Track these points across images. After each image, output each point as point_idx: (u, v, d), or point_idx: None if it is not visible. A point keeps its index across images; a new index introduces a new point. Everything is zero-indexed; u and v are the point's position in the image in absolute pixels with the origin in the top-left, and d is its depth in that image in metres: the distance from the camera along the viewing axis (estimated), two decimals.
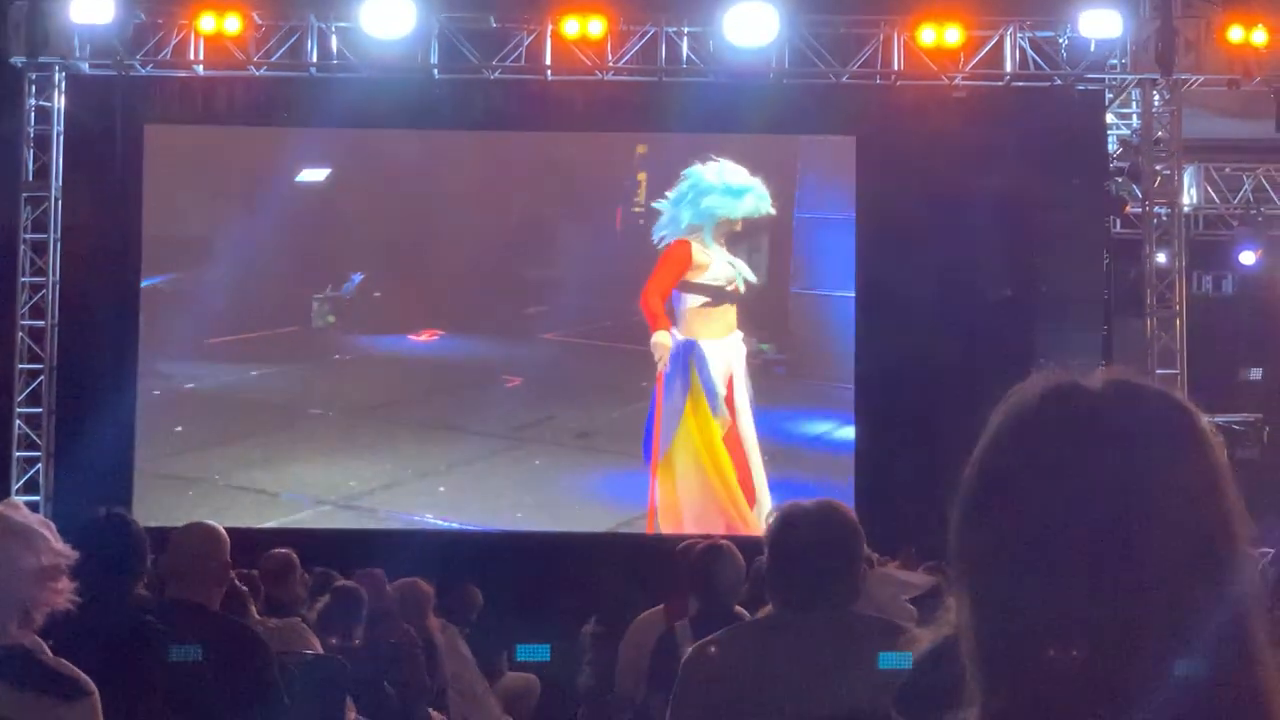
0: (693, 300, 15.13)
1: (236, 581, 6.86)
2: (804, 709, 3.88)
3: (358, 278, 15.54)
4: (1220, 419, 15.08)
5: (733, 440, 15.12)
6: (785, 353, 15.41)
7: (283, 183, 15.43)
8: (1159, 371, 14.49)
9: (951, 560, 1.46)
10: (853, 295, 15.26)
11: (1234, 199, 17.64)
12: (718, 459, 15.06)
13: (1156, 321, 15.12)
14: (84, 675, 3.70)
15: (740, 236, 15.22)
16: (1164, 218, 15.31)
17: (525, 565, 14.00)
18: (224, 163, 15.57)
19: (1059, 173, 15.13)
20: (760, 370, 15.22)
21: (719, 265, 15.07)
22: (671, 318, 15.11)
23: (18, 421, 15.00)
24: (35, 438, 15.03)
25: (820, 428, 15.44)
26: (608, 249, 15.51)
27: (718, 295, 15.10)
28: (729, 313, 15.12)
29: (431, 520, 15.08)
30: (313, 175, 15.60)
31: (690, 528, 14.69)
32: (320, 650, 7.79)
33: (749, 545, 7.84)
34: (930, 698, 1.54)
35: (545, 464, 15.30)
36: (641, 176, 15.49)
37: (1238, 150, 17.34)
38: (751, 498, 15.03)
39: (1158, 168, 15.26)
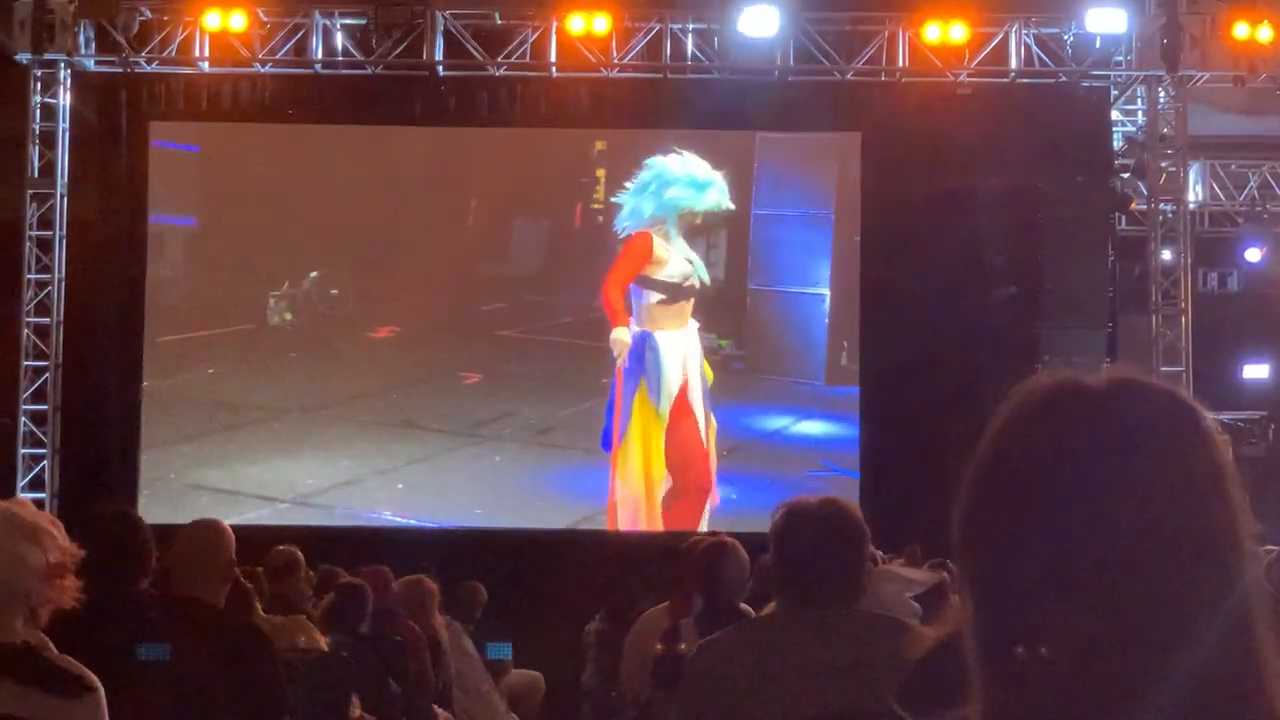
0: (651, 296, 15.10)
1: (241, 579, 6.85)
2: (809, 706, 3.88)
3: (314, 275, 15.51)
4: (1226, 416, 15.10)
5: (689, 433, 15.10)
6: (743, 348, 15.40)
7: (239, 176, 15.48)
8: (1164, 369, 14.48)
9: (955, 557, 1.46)
10: (810, 291, 15.27)
11: (1239, 196, 17.62)
12: (650, 454, 15.03)
13: (1162, 319, 15.12)
14: (89, 672, 3.69)
15: (698, 231, 15.21)
16: (1169, 215, 15.31)
17: (529, 562, 14.01)
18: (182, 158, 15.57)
19: (1064, 170, 15.14)
20: (719, 366, 15.24)
21: (677, 261, 15.04)
22: (629, 311, 15.07)
23: (23, 418, 14.99)
24: (41, 435, 15.03)
25: (778, 422, 15.46)
26: (567, 245, 15.57)
27: (675, 291, 15.07)
28: (685, 308, 15.11)
29: (390, 517, 15.09)
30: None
31: (636, 521, 14.86)
32: (325, 647, 7.78)
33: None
34: (933, 694, 1.52)
35: (505, 460, 15.31)
36: (600, 172, 15.50)
37: (1243, 147, 17.33)
38: (706, 492, 15.04)
39: (1163, 165, 15.26)
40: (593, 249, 15.35)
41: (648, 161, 15.11)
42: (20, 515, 3.64)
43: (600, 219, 15.42)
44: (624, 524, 15.08)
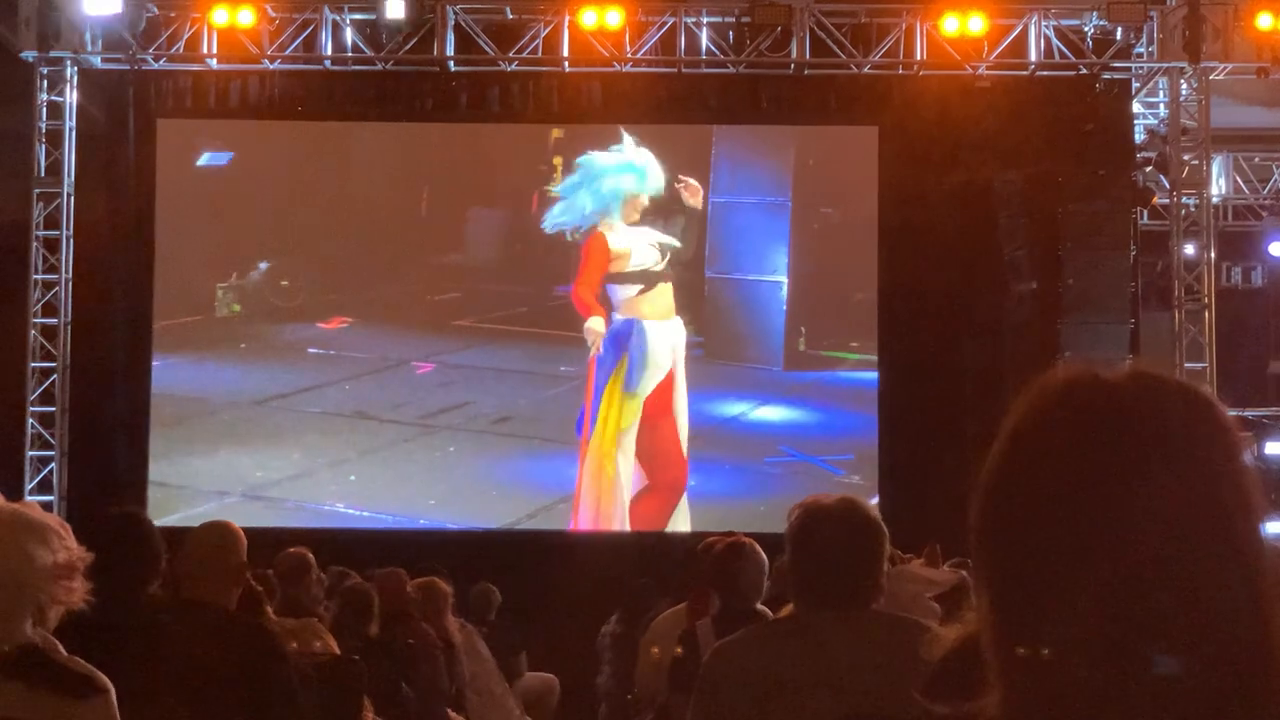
0: (629, 290, 15.05)
1: (252, 581, 6.76)
2: (827, 708, 3.82)
3: (264, 266, 15.40)
4: (1250, 413, 14.93)
5: (668, 431, 15.02)
6: (701, 335, 15.29)
7: (184, 168, 15.36)
8: (1187, 365, 14.37)
9: (972, 553, 1.45)
10: (768, 279, 15.20)
11: (1263, 189, 17.47)
12: (614, 441, 14.93)
13: (1185, 314, 14.98)
14: (98, 673, 3.64)
15: (654, 219, 15.10)
16: (1192, 208, 15.22)
17: (543, 564, 13.89)
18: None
19: (1084, 163, 15.02)
20: None
21: (642, 249, 14.96)
22: (608, 307, 15.00)
23: (30, 420, 14.89)
24: (49, 437, 14.93)
25: (736, 408, 15.39)
26: (523, 234, 15.45)
27: (650, 278, 15.02)
28: (666, 293, 15.05)
29: (343, 509, 14.99)
30: (215, 160, 15.47)
31: (596, 512, 14.80)
32: (336, 650, 7.66)
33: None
34: (952, 691, 1.51)
35: (460, 450, 15.24)
36: (557, 161, 15.42)
37: (1267, 139, 17.17)
38: (678, 493, 14.96)
39: (1185, 157, 15.14)
40: (551, 238, 15.27)
41: (578, 160, 15.06)
42: (27, 515, 3.60)
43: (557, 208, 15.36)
44: (585, 514, 15.00)
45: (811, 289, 15.26)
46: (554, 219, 15.04)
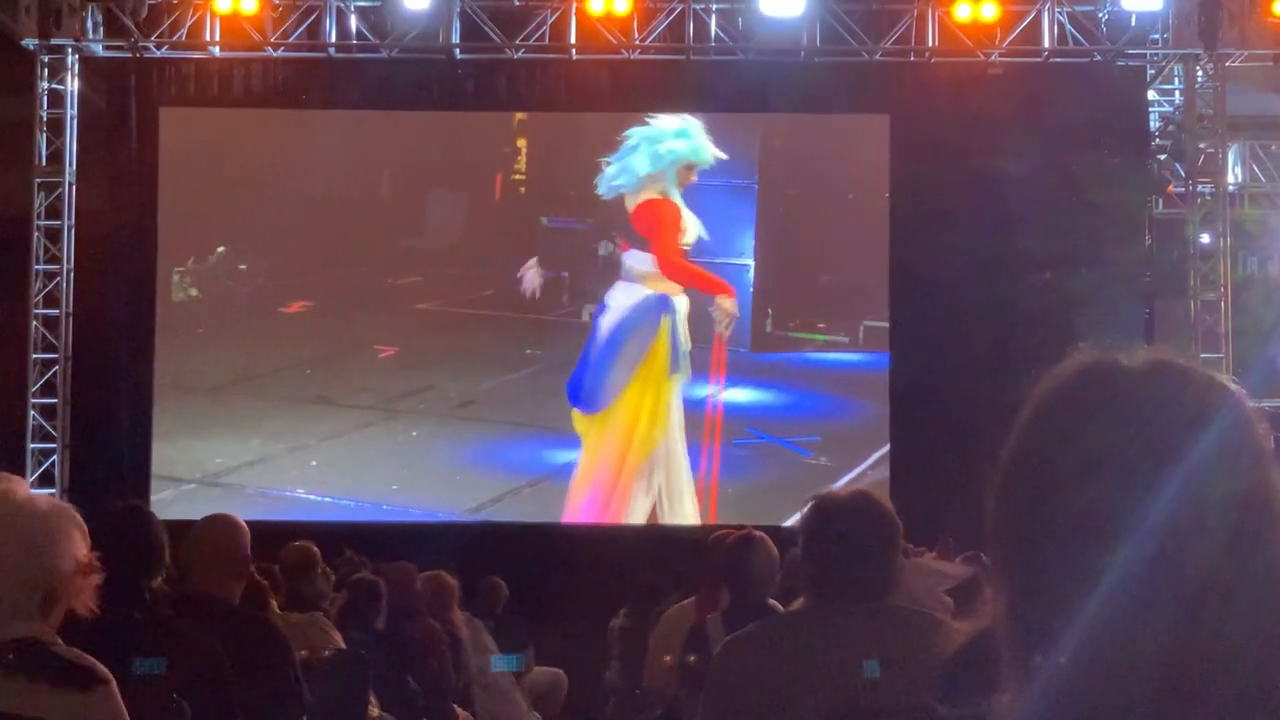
0: None
1: (256, 575, 6.72)
2: (838, 703, 3.83)
3: (221, 250, 15.29)
4: (1267, 404, 14.76)
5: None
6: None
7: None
8: (1203, 355, 14.25)
9: (988, 543, 1.44)
10: (735, 262, 15.11)
11: None
12: (648, 423, 14.79)
13: (1200, 303, 14.94)
14: (99, 664, 3.64)
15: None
16: (1208, 197, 15.15)
17: (551, 557, 13.81)
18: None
19: (1099, 151, 14.95)
20: None
21: (692, 223, 14.91)
22: (632, 275, 14.88)
23: (32, 413, 14.80)
24: (51, 429, 14.84)
25: (704, 390, 15.18)
26: (487, 217, 15.37)
27: (686, 255, 15.01)
28: None
29: (304, 495, 14.88)
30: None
31: (598, 494, 14.66)
32: (342, 645, 7.59)
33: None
34: (967, 687, 1.55)
35: (422, 435, 15.16)
36: (521, 143, 15.36)
37: None
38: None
39: (1201, 145, 15.07)
40: (515, 220, 15.24)
41: (629, 132, 14.90)
42: (46, 508, 3.61)
43: (522, 190, 15.33)
44: (585, 496, 14.78)
45: (778, 271, 15.22)
46: (609, 182, 14.89)
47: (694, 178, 14.91)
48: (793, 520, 14.05)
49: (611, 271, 15.00)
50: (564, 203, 15.30)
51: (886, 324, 15.05)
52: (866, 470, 14.71)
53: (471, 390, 15.17)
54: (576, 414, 14.85)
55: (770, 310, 15.19)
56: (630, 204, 14.88)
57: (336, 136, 15.42)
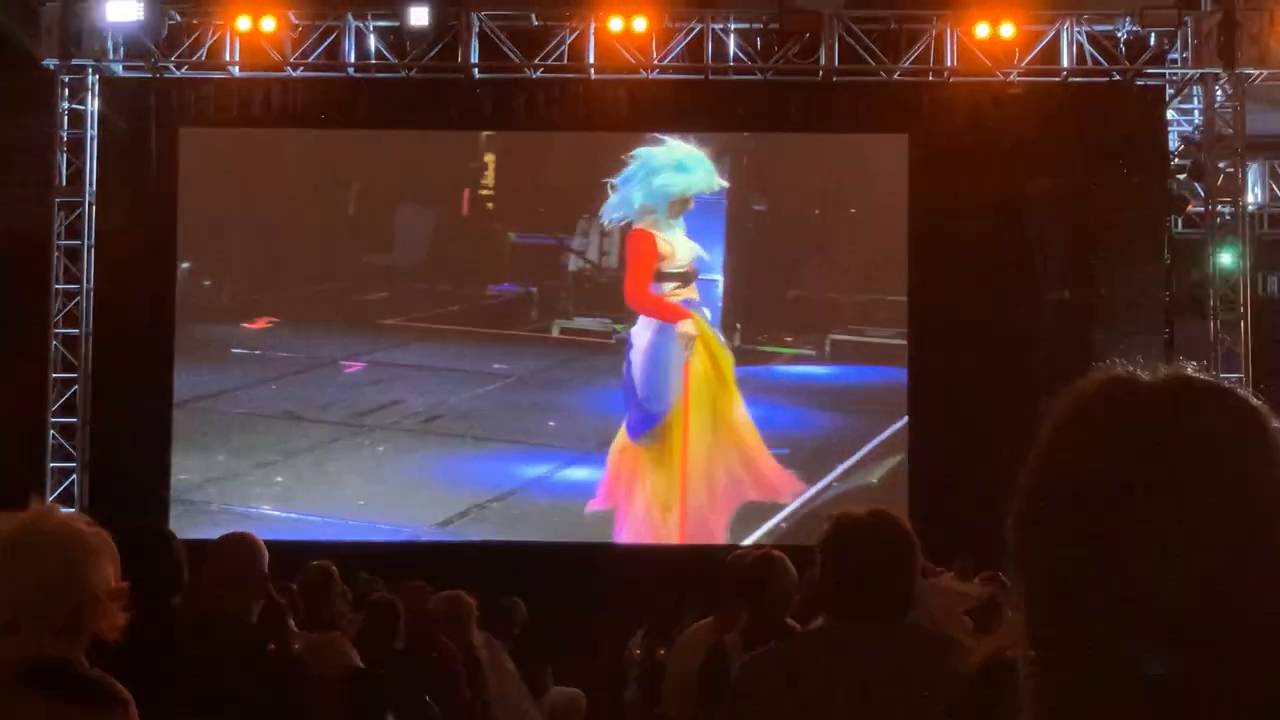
0: (665, 287, 14.99)
1: (274, 594, 6.69)
2: None
3: (185, 266, 15.29)
4: None
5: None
6: None
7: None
8: (1222, 375, 14.12)
9: (1008, 564, 1.42)
10: (704, 278, 15.06)
11: None
12: (719, 432, 14.84)
13: (1220, 324, 14.89)
14: (117, 684, 3.62)
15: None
16: (1227, 216, 15.11)
17: (570, 577, 13.77)
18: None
19: (1118, 171, 14.96)
20: (620, 349, 15.15)
21: (682, 248, 14.94)
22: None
23: (51, 432, 14.81)
24: (70, 448, 14.84)
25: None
26: (454, 233, 15.39)
27: (686, 279, 15.00)
28: (695, 291, 15.05)
29: (269, 511, 14.84)
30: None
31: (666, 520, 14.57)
32: (360, 665, 7.56)
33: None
34: (986, 712, 1.51)
35: (389, 450, 15.15)
36: (489, 158, 15.37)
37: None
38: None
39: (1220, 165, 15.03)
40: (482, 235, 15.26)
41: (635, 152, 14.96)
42: (82, 531, 3.59)
43: (490, 205, 15.36)
44: (669, 520, 14.72)
45: (746, 285, 15.24)
46: (611, 212, 14.96)
47: (690, 205, 14.93)
48: (758, 534, 14.07)
49: (581, 288, 15.14)
50: (532, 218, 15.34)
51: (854, 337, 15.12)
52: (833, 482, 14.75)
53: (438, 405, 15.18)
54: (628, 444, 14.86)
55: (738, 324, 15.22)
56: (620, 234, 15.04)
57: (304, 151, 15.45)
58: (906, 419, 14.90)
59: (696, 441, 14.80)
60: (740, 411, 14.89)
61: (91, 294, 14.93)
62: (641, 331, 14.96)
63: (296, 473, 15.02)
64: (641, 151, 14.95)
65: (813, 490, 14.65)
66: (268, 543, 5.84)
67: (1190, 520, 1.31)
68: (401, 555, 13.49)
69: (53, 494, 14.54)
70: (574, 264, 15.26)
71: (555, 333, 15.20)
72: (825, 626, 4.18)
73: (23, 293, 14.82)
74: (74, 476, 14.86)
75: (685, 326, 14.84)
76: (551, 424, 15.12)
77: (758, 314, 15.27)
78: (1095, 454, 1.36)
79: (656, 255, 14.88)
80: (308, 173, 15.35)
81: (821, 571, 4.05)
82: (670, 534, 14.85)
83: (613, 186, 14.90)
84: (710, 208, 15.11)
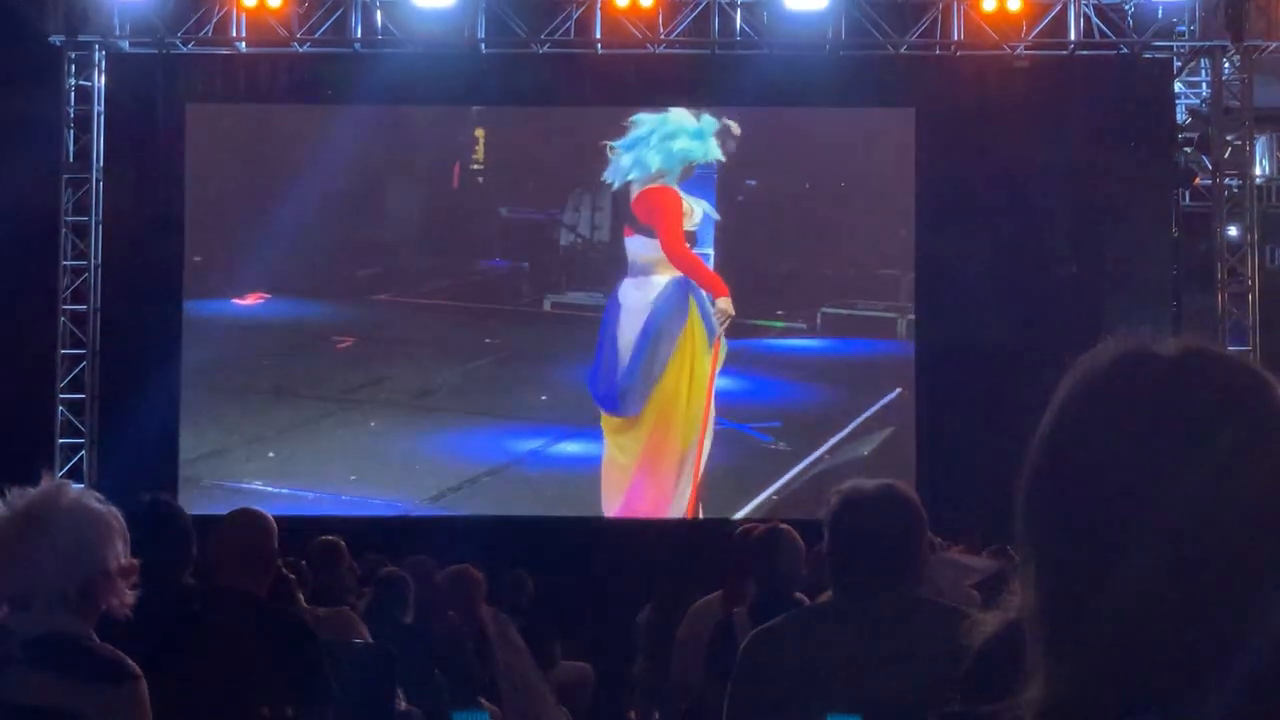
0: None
1: (284, 570, 6.74)
2: (865, 696, 3.83)
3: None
4: None
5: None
6: None
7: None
8: (1230, 348, 14.11)
9: (1018, 537, 1.42)
10: (702, 251, 15.05)
11: None
12: (691, 416, 14.81)
13: (1228, 297, 14.84)
14: (127, 658, 3.70)
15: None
16: (1235, 189, 15.05)
17: (578, 551, 13.79)
18: None
19: (1125, 144, 14.92)
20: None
21: (696, 209, 14.93)
22: (640, 266, 14.86)
23: (60, 408, 14.84)
24: (79, 424, 14.86)
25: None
26: (445, 207, 15.37)
27: (693, 241, 14.99)
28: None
29: (261, 487, 14.80)
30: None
31: (638, 492, 14.63)
32: (369, 639, 7.61)
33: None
34: (994, 682, 1.49)
35: (381, 425, 15.13)
36: (480, 132, 15.33)
37: None
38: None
39: (1228, 138, 14.96)
40: (473, 209, 15.23)
41: (635, 118, 14.90)
42: (93, 508, 3.67)
43: (480, 179, 15.32)
44: (632, 492, 14.79)
45: (737, 259, 15.18)
46: (623, 173, 14.88)
47: (694, 171, 14.95)
48: (749, 508, 14.10)
49: (572, 262, 15.10)
50: (523, 193, 15.30)
51: (844, 310, 15.08)
52: (825, 455, 14.75)
53: (430, 380, 15.17)
54: (606, 416, 14.86)
55: (730, 298, 15.18)
56: (634, 191, 14.91)
57: (295, 125, 15.42)
58: (898, 391, 14.89)
59: (688, 414, 14.81)
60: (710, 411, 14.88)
61: (99, 270, 14.93)
62: (634, 292, 14.89)
63: (289, 448, 15.01)
64: (647, 117, 14.89)
65: (804, 462, 14.65)
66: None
67: (1205, 491, 1.32)
68: (395, 530, 13.50)
69: (61, 470, 14.56)
70: (565, 238, 15.25)
71: (547, 307, 15.19)
72: (833, 600, 4.21)
73: (31, 270, 14.83)
74: (82, 453, 14.87)
75: (724, 304, 14.79)
76: (543, 398, 15.11)
77: (749, 288, 15.20)
78: (1109, 425, 1.36)
79: (684, 210, 14.86)
80: (298, 148, 15.24)
81: (830, 545, 4.07)
82: (669, 501, 14.87)
83: (613, 149, 14.85)
84: (700, 180, 15.10)
